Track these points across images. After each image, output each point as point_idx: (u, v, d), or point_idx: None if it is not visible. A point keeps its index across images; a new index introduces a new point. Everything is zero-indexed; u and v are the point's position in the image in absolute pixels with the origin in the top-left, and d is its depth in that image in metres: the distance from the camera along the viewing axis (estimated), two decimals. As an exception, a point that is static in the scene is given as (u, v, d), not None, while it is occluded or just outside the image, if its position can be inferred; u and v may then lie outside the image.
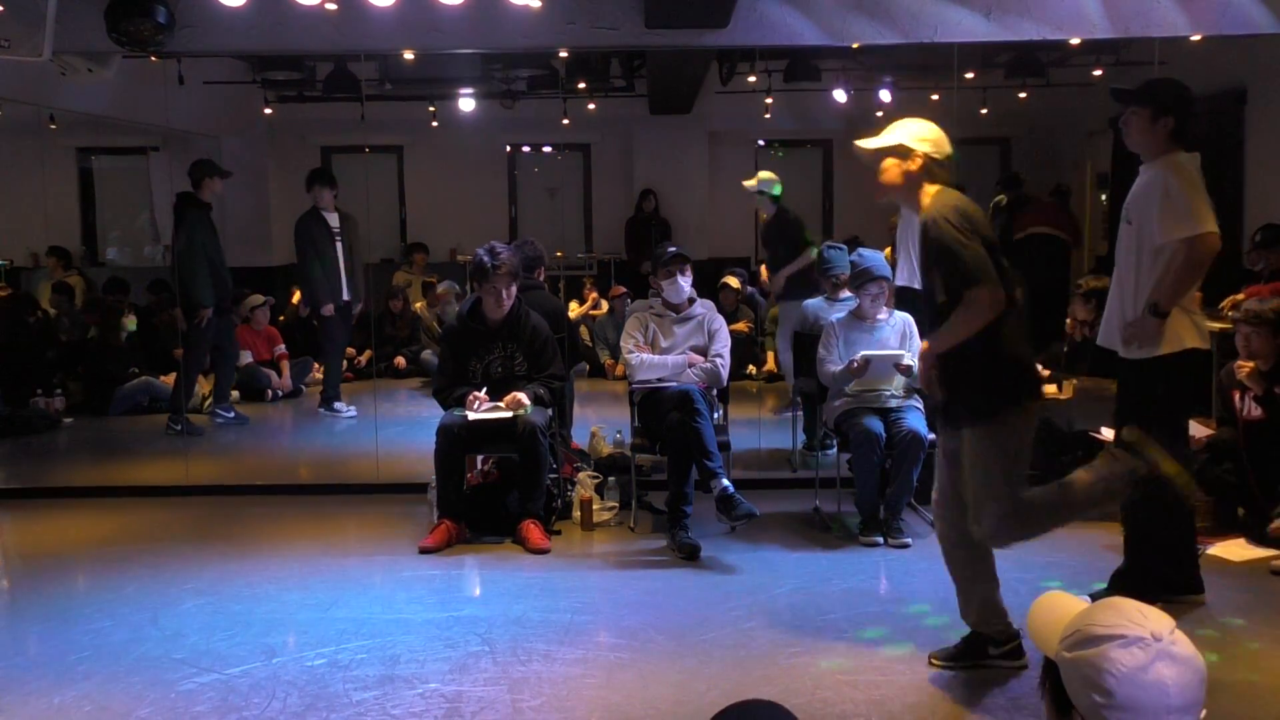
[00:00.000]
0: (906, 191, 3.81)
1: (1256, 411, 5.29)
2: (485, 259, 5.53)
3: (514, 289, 5.62)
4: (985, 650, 3.87)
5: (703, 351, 5.70)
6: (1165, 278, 4.12)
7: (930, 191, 3.75)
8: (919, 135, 3.80)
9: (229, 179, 8.33)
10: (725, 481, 5.20)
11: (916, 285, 6.93)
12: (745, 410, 7.84)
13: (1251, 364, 5.15)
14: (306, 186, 8.54)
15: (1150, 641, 1.48)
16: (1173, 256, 4.09)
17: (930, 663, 3.91)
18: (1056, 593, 1.72)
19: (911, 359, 5.51)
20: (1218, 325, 6.09)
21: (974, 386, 3.67)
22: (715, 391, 5.78)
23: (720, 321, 5.83)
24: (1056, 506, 3.68)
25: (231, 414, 8.50)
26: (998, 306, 3.54)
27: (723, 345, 5.74)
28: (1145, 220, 4.16)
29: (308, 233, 8.47)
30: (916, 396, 5.63)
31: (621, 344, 5.85)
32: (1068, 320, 7.08)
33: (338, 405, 8.70)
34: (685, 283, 5.75)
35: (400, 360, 10.35)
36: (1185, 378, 4.29)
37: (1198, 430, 5.45)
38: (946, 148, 3.81)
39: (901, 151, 3.78)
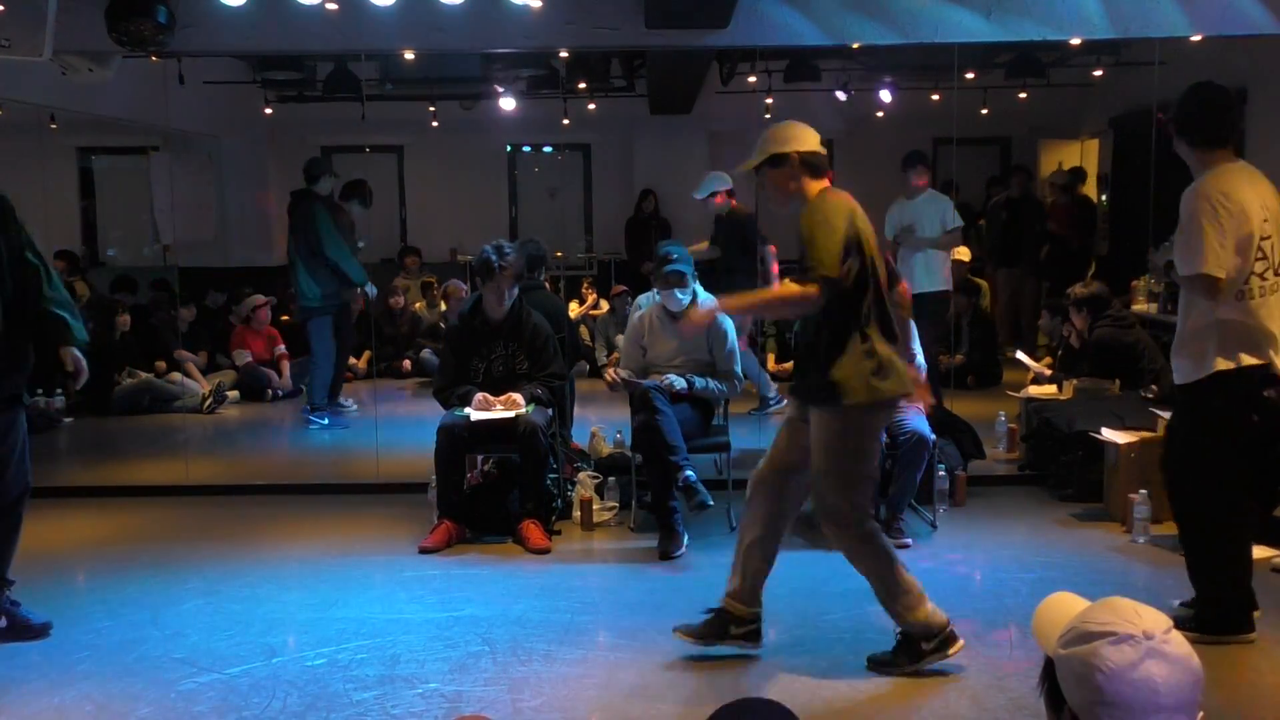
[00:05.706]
0: (792, 195, 3.87)
1: None
2: (493, 257, 5.52)
3: (515, 290, 5.65)
4: (728, 629, 3.98)
5: (705, 367, 5.69)
6: None
7: (814, 187, 3.83)
8: (786, 138, 3.86)
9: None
10: (689, 472, 5.22)
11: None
12: (746, 408, 7.84)
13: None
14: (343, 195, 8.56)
15: (1141, 640, 1.48)
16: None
17: (674, 633, 4.04)
18: (1063, 594, 1.71)
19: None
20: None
21: (820, 370, 3.73)
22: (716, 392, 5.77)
23: (726, 330, 5.73)
24: (879, 573, 3.82)
25: (353, 405, 8.68)
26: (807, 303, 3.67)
27: (731, 360, 5.71)
28: None
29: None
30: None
31: (620, 347, 5.85)
32: (1064, 328, 7.10)
33: (345, 401, 8.76)
34: (685, 295, 5.73)
35: (406, 363, 10.30)
36: None
37: None
38: (814, 141, 3.89)
39: (777, 160, 3.85)
